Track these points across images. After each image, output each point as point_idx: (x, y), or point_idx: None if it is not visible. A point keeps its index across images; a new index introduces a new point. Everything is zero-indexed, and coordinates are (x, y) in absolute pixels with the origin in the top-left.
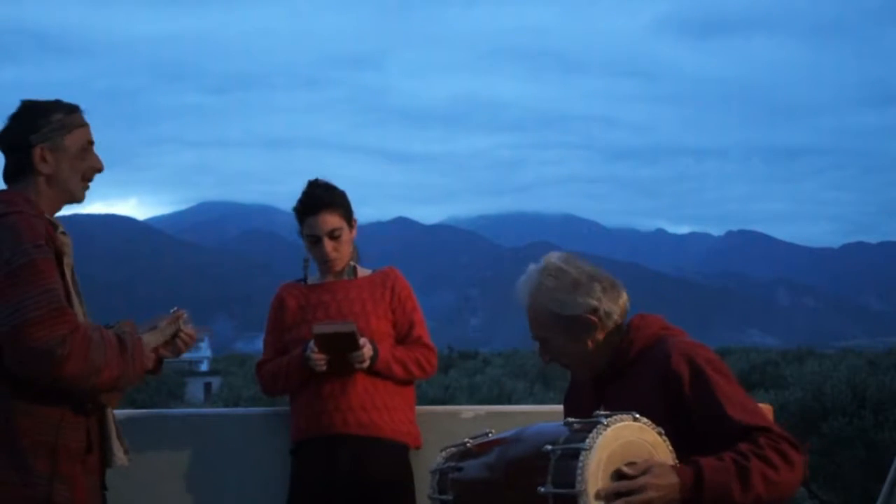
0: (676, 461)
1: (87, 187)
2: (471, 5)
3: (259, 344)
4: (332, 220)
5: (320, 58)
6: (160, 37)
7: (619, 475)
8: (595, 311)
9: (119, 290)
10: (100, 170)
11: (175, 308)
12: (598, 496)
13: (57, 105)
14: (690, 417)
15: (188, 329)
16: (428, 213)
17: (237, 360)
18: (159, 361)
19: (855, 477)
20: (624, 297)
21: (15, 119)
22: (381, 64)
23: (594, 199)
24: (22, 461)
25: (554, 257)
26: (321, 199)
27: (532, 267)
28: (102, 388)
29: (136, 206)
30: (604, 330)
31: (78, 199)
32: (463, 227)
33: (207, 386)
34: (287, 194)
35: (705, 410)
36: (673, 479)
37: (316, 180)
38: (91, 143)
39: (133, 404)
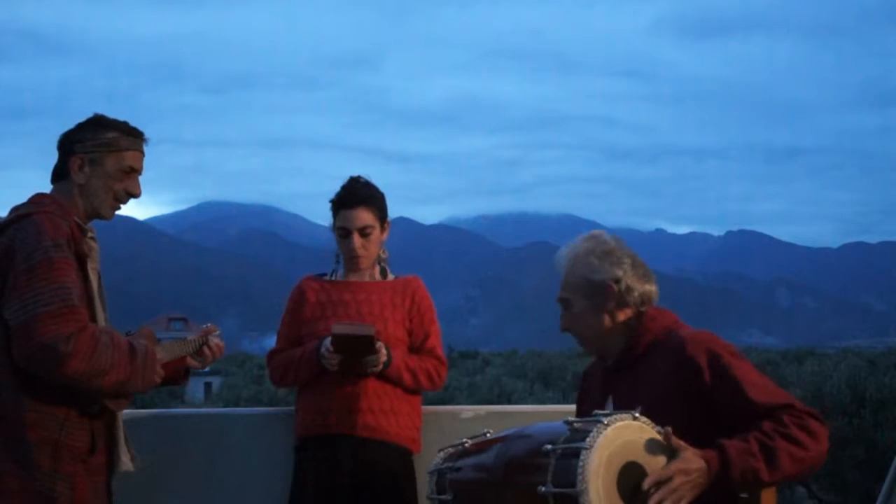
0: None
1: (118, 208)
2: (469, 6)
3: (262, 343)
4: (365, 217)
5: (319, 58)
6: (158, 37)
7: (636, 471)
8: (617, 280)
9: (119, 289)
10: (135, 195)
11: (208, 324)
12: (618, 490)
13: (118, 125)
14: (710, 404)
15: (217, 340)
16: (428, 213)
17: (237, 360)
18: (186, 371)
19: (855, 477)
20: (651, 287)
21: (78, 126)
22: (379, 64)
23: (594, 199)
24: (27, 455)
25: (601, 231)
26: (359, 194)
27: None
28: (107, 390)
29: (134, 206)
30: (622, 306)
31: (104, 216)
32: (463, 227)
33: (207, 386)
34: (287, 194)
35: (727, 396)
36: (700, 463)
37: (358, 177)
38: (135, 169)
39: (133, 404)
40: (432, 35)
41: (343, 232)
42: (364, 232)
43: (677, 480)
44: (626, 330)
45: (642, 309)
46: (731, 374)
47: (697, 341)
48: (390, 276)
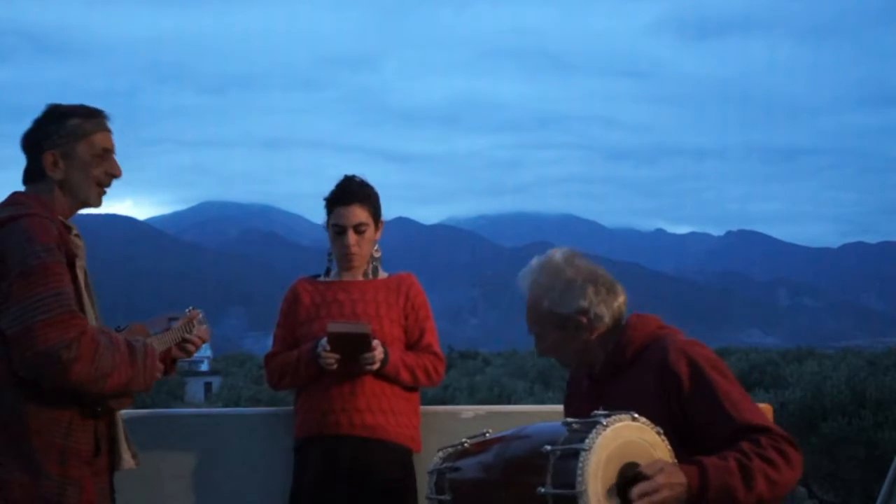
0: (675, 460)
1: (104, 192)
2: (468, 6)
3: (265, 343)
4: (360, 214)
5: (318, 58)
6: (157, 37)
7: (631, 471)
8: (585, 312)
9: (119, 290)
10: (116, 175)
11: (190, 308)
12: (609, 495)
13: (76, 110)
14: (688, 415)
15: (200, 329)
16: (428, 213)
17: (237, 360)
18: (173, 361)
19: (855, 477)
20: (620, 299)
21: (35, 122)
22: (378, 64)
23: (594, 199)
24: (33, 462)
25: (557, 254)
26: (354, 191)
27: (534, 261)
28: (110, 393)
29: (131, 207)
30: (594, 331)
31: (92, 204)
32: (463, 227)
33: (207, 386)
34: (286, 195)
35: (704, 408)
36: (682, 478)
37: (353, 175)
38: (108, 150)
39: (133, 404)
40: (432, 35)
41: (338, 229)
42: (359, 229)
43: (664, 493)
44: (605, 342)
45: (618, 322)
46: (711, 387)
47: (680, 350)
48: (383, 275)
